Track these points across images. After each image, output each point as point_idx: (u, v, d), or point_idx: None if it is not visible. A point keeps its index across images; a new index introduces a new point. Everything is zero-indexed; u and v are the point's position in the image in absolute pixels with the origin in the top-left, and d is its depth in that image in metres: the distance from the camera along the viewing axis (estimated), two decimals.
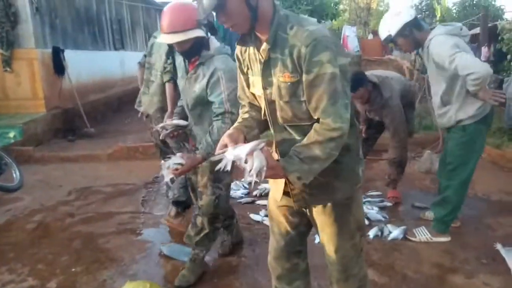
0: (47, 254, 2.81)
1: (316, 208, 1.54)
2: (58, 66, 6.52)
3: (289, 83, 1.35)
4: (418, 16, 2.63)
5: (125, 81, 9.81)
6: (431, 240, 2.82)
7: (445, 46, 2.39)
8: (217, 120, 2.11)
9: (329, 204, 1.52)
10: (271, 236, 1.73)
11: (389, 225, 3.05)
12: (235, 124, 1.56)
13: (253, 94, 1.55)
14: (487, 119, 2.62)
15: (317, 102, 1.33)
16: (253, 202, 3.74)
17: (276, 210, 1.65)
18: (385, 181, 3.82)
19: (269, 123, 1.51)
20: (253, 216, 3.38)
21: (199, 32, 2.05)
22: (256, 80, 1.47)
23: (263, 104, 1.50)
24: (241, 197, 3.85)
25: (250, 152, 1.26)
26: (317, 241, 2.85)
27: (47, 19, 6.51)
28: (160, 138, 2.51)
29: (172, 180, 2.29)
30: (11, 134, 5.34)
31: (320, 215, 1.56)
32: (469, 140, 2.63)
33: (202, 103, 2.21)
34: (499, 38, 6.56)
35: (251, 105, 1.61)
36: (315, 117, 1.36)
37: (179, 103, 2.64)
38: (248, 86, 1.56)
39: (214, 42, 2.22)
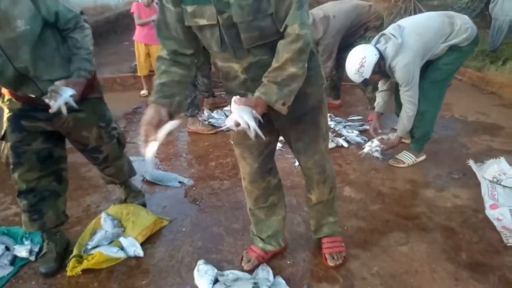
0: None
1: (291, 119, 1.54)
2: None
3: (252, 0, 1.25)
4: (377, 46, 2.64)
5: (97, 10, 9.18)
6: (416, 162, 2.90)
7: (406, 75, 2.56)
8: (75, 31, 1.74)
9: (308, 114, 1.56)
10: (242, 162, 1.73)
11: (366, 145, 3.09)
12: (153, 98, 1.36)
13: (186, 29, 1.36)
14: (477, 39, 2.66)
15: (286, 10, 1.26)
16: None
17: (245, 135, 1.64)
18: (366, 106, 3.89)
19: (228, 52, 1.38)
20: None
21: None
22: (201, 9, 1.29)
23: (214, 35, 1.33)
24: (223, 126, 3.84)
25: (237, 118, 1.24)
26: (296, 164, 2.92)
27: None
28: None
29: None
30: None
31: (296, 125, 1.59)
32: (463, 58, 2.72)
33: (33, 38, 1.63)
34: None
35: (175, 55, 1.41)
36: (282, 28, 1.30)
37: None
38: (182, 21, 1.35)
39: None
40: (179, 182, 2.79)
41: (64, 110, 1.63)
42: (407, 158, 2.89)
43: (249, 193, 1.82)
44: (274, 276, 1.83)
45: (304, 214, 2.30)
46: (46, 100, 1.61)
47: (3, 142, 1.86)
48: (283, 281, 1.78)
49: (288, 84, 1.30)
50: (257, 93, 1.32)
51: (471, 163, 2.78)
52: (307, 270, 1.89)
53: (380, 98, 2.95)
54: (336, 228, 1.96)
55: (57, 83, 1.64)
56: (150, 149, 1.28)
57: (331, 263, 1.88)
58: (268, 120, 1.49)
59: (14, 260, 2.00)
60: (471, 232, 2.13)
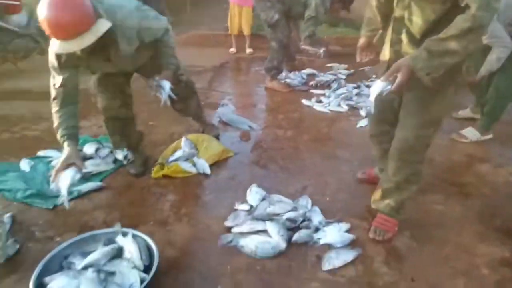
0: None
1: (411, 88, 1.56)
2: None
3: None
4: None
5: None
6: (480, 139, 2.87)
7: None
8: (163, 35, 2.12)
9: (421, 86, 1.48)
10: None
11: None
12: (363, 31, 1.85)
13: None
14: None
15: None
16: (307, 90, 4.01)
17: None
18: None
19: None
20: (304, 102, 3.68)
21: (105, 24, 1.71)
22: None
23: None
24: (297, 86, 4.13)
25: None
26: (358, 125, 3.10)
27: None
28: None
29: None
30: None
31: (410, 94, 1.65)
32: None
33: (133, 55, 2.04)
34: None
35: None
36: (462, 4, 1.30)
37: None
38: None
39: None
40: (249, 126, 3.18)
41: (168, 102, 2.13)
42: (471, 134, 2.90)
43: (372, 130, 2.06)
44: (312, 205, 2.13)
45: (353, 167, 2.53)
46: (153, 93, 2.13)
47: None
48: (318, 210, 2.08)
49: (441, 56, 1.32)
50: (407, 56, 1.40)
51: None
52: (341, 208, 2.15)
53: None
54: (394, 213, 1.90)
55: (157, 78, 2.12)
56: None
57: (370, 234, 1.89)
58: None
59: (115, 161, 2.59)
60: None
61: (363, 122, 3.21)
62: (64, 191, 1.72)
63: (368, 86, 4.00)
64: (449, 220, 2.05)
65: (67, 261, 1.67)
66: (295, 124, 3.25)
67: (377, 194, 1.98)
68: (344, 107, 3.53)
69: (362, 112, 3.39)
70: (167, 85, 2.14)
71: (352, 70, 4.58)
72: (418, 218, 2.06)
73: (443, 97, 1.61)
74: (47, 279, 1.55)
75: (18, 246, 1.83)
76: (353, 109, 3.53)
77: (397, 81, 1.38)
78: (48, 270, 1.60)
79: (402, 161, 1.76)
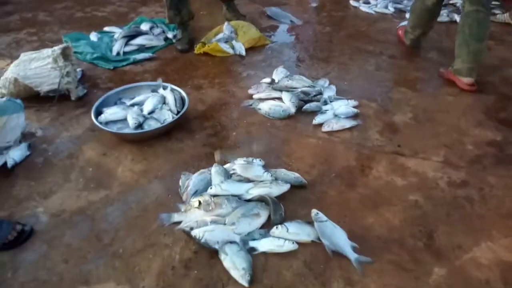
0: None
1: None
2: None
3: None
4: None
5: None
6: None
7: None
8: None
9: None
10: None
11: None
12: None
13: None
14: None
15: None
16: None
17: None
18: None
19: None
20: (351, 2, 3.69)
21: None
22: None
23: None
24: None
25: None
26: None
27: None
28: None
29: None
30: None
31: None
32: None
33: None
34: None
35: None
36: None
37: None
38: None
39: None
40: (291, 20, 3.33)
41: None
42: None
43: None
44: (329, 85, 2.37)
45: (379, 61, 2.66)
46: None
47: None
48: (333, 88, 2.33)
49: None
50: None
51: None
52: (356, 90, 2.35)
53: None
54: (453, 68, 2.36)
55: None
56: None
57: None
58: None
59: (166, 39, 2.95)
60: None
61: (405, 22, 3.21)
62: None
63: None
64: (455, 108, 2.19)
65: (120, 101, 2.15)
66: (335, 22, 3.34)
67: None
68: (391, 9, 3.50)
69: (408, 15, 3.35)
70: None
71: None
72: (426, 105, 2.22)
73: None
74: (104, 109, 2.03)
75: (86, 90, 2.33)
76: (400, 12, 3.50)
77: None
78: (105, 105, 2.08)
79: None
